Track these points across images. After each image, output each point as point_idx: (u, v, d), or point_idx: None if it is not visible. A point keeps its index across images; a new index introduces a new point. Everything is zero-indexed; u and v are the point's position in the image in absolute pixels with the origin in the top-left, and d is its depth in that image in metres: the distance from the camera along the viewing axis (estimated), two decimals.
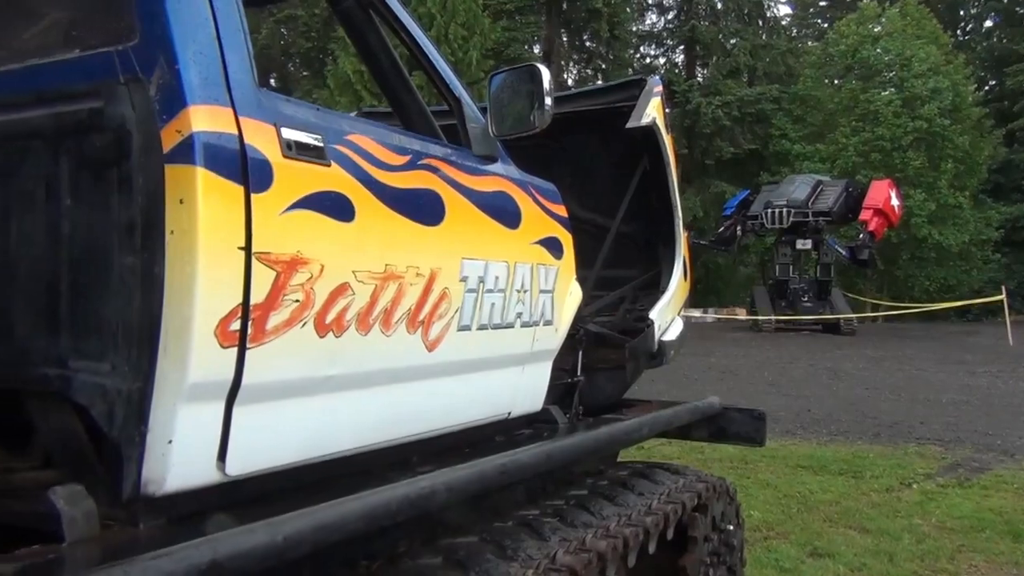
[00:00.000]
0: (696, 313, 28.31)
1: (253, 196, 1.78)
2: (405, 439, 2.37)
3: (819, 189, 24.69)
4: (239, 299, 1.75)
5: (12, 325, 1.90)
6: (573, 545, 2.32)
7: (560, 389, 3.53)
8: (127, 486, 1.71)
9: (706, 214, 33.00)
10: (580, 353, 3.62)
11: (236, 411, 1.80)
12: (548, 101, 2.57)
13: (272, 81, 35.39)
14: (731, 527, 3.47)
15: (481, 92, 3.00)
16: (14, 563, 1.46)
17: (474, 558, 2.12)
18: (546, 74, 2.59)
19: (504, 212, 2.68)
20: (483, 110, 2.73)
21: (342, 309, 2.01)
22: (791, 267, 24.97)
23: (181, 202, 1.68)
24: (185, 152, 1.69)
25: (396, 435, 2.32)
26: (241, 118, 1.80)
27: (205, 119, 1.72)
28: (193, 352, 1.69)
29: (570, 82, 36.23)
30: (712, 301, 33.25)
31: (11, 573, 1.39)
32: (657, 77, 4.10)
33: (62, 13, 2.02)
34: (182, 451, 1.72)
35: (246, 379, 1.79)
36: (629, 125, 3.86)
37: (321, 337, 1.96)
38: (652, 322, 3.91)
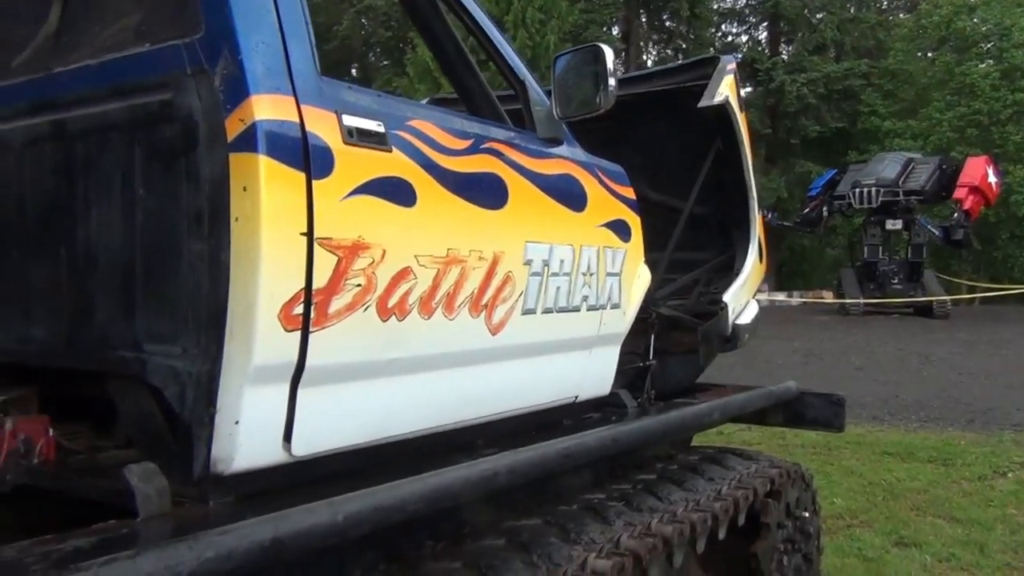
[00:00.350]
0: (781, 296, 27.70)
1: (314, 183, 1.81)
2: (470, 422, 2.39)
3: (910, 167, 23.74)
4: (302, 284, 1.79)
5: (93, 310, 1.99)
6: (638, 529, 2.30)
7: (631, 373, 3.50)
8: (198, 465, 1.77)
9: (791, 195, 32.16)
10: (652, 337, 3.59)
11: (301, 393, 1.85)
12: (612, 82, 2.53)
13: (353, 71, 35.95)
14: (807, 514, 3.39)
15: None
16: (90, 537, 1.53)
17: (537, 540, 2.13)
18: (609, 54, 2.55)
19: (569, 195, 2.67)
20: (549, 93, 2.72)
21: (404, 293, 2.03)
22: (880, 248, 24.10)
23: (245, 189, 1.72)
24: (248, 140, 1.73)
25: (460, 418, 2.34)
26: (303, 106, 1.83)
27: (267, 108, 1.75)
28: (258, 335, 1.73)
29: (649, 63, 35.73)
30: (798, 284, 32.46)
31: (87, 547, 1.46)
32: (731, 55, 4.00)
33: (135, 8, 2.09)
34: (249, 431, 1.77)
35: (310, 362, 1.83)
36: (701, 104, 3.78)
37: (383, 321, 1.99)
38: (726, 305, 3.84)
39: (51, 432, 2.21)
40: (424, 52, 22.36)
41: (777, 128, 33.43)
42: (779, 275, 32.51)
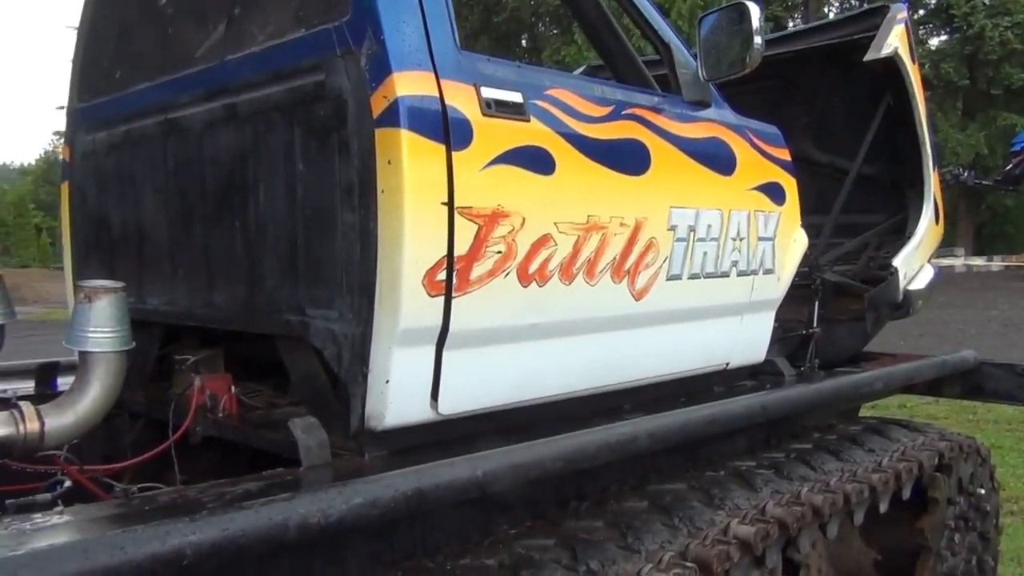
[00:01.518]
0: (979, 261, 25.60)
1: (454, 154, 1.89)
2: (614, 387, 2.42)
3: None
4: (444, 251, 1.88)
5: (264, 278, 2.18)
6: (785, 498, 2.26)
7: (794, 341, 3.40)
8: (354, 420, 1.91)
9: (992, 151, 29.45)
10: (816, 304, 3.47)
11: (446, 355, 1.94)
12: (758, 40, 2.45)
13: (523, 42, 36.15)
14: (982, 491, 3.18)
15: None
16: (258, 482, 1.69)
17: (679, 504, 2.14)
18: (755, 11, 2.47)
19: (717, 158, 2.62)
20: (694, 56, 2.67)
21: (544, 259, 2.09)
22: None
23: (389, 163, 1.83)
24: (392, 116, 1.82)
25: (604, 383, 2.38)
26: (442, 80, 1.91)
27: (409, 84, 1.84)
28: (404, 300, 1.84)
29: (831, 17, 33.67)
30: (999, 247, 29.83)
31: (255, 490, 1.62)
32: (901, 3, 3.74)
33: None
34: (399, 391, 1.89)
35: (453, 326, 1.92)
36: (868, 57, 3.57)
37: (524, 286, 2.05)
38: (896, 270, 3.64)
39: (233, 389, 2.45)
40: None
41: (976, 78, 30.65)
42: (978, 238, 30.05)
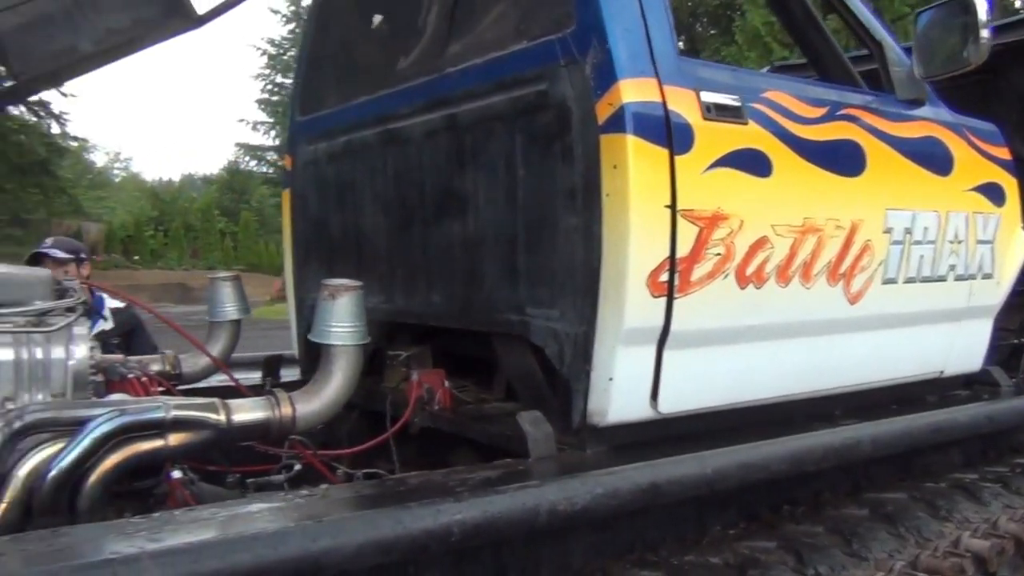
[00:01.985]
0: None
1: (677, 158, 1.93)
2: (827, 391, 2.38)
3: None
4: (667, 253, 1.92)
5: (483, 279, 2.29)
6: (1020, 513, 2.15)
7: (1004, 350, 3.23)
8: (576, 416, 1.98)
9: None
10: None
11: (666, 355, 1.98)
12: (984, 34, 2.35)
13: (680, 43, 35.66)
14: None
15: (907, 29, 2.82)
16: (494, 470, 1.79)
17: (903, 514, 2.08)
18: (981, 4, 2.37)
19: (933, 158, 2.53)
20: (907, 51, 2.59)
21: (762, 262, 2.09)
22: None
23: (615, 167, 1.89)
24: (617, 122, 1.88)
25: (817, 386, 2.35)
26: (665, 86, 1.95)
27: (634, 91, 1.90)
28: (628, 301, 1.89)
29: None
30: None
31: (494, 477, 1.71)
32: None
33: (513, 12, 2.34)
34: (620, 389, 1.94)
35: (674, 326, 1.96)
36: None
37: (742, 288, 2.06)
38: None
39: (446, 384, 2.58)
40: (754, 17, 21.57)
41: None
42: None
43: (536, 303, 2.11)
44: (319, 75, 3.17)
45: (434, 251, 2.50)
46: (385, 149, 2.69)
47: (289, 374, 3.23)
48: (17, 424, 1.74)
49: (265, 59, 37.24)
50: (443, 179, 2.43)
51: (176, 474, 2.24)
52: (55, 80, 2.56)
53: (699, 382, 2.08)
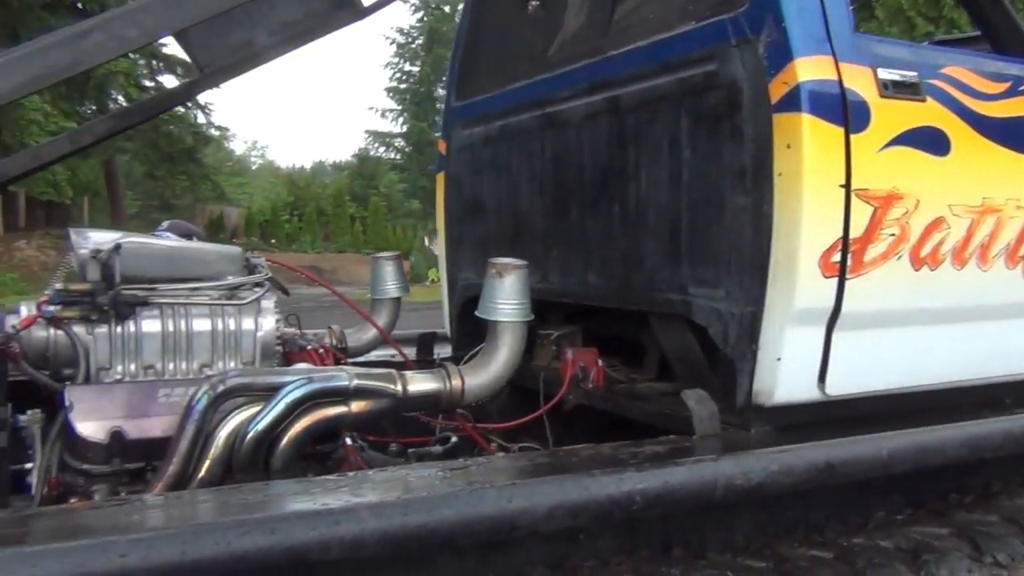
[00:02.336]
0: None
1: (852, 137, 1.90)
2: (998, 379, 2.29)
3: None
4: (839, 233, 1.90)
5: (643, 259, 2.32)
6: None
7: None
8: (740, 396, 1.99)
9: None
10: None
11: (835, 336, 1.97)
12: None
13: None
14: None
15: None
16: (661, 446, 1.83)
17: None
18: None
19: None
20: None
21: (937, 243, 2.03)
22: None
23: (788, 147, 1.88)
24: (792, 101, 1.87)
25: (988, 373, 2.26)
26: (841, 64, 1.92)
27: (810, 69, 1.88)
28: (799, 281, 1.89)
29: None
30: None
31: (663, 452, 1.75)
32: None
33: None
34: (788, 369, 1.94)
35: (845, 307, 1.94)
36: None
37: (916, 270, 2.01)
38: None
39: (600, 363, 2.63)
40: None
41: None
42: None
43: (699, 283, 2.12)
44: (475, 61, 3.26)
45: (592, 232, 2.54)
46: (543, 132, 2.75)
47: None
48: (220, 388, 1.90)
49: (394, 47, 38.17)
50: (603, 161, 2.47)
51: (348, 441, 2.38)
52: (233, 73, 2.72)
53: (868, 365, 2.05)
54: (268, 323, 2.22)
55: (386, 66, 38.81)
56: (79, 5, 20.10)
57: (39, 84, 1.61)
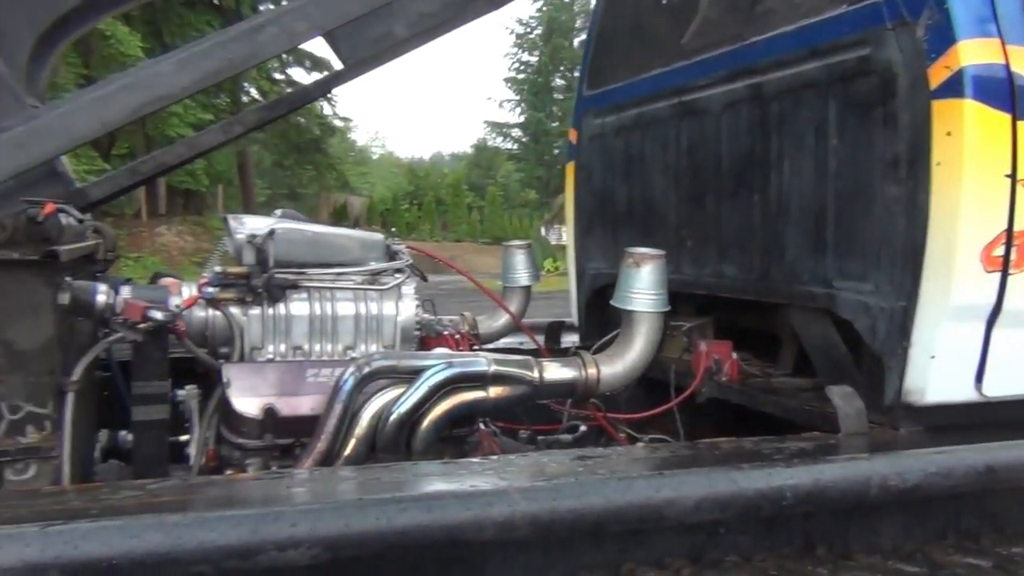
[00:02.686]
0: None
1: (1020, 123, 1.80)
2: None
3: None
4: (1003, 226, 1.80)
5: (784, 250, 2.26)
6: None
7: None
8: (889, 393, 1.92)
9: None
10: None
11: (995, 334, 1.87)
12: None
13: None
14: None
15: None
16: (806, 442, 1.78)
17: None
18: None
19: None
20: None
21: None
22: None
23: (948, 135, 1.79)
24: (953, 86, 1.78)
25: None
26: (1008, 47, 1.82)
27: (974, 52, 1.78)
28: (956, 275, 1.80)
29: None
30: None
31: (809, 448, 1.71)
32: None
33: None
34: (942, 368, 1.85)
35: (1007, 304, 1.84)
36: None
37: None
38: None
39: (734, 356, 2.58)
40: None
41: None
42: None
43: (845, 275, 2.05)
44: (608, 50, 3.24)
45: (729, 222, 2.50)
46: (679, 121, 2.71)
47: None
48: (366, 369, 1.97)
49: (512, 37, 38.39)
50: (743, 149, 2.42)
51: (482, 426, 2.43)
52: (373, 65, 2.80)
53: None
54: (408, 308, 2.29)
55: (505, 56, 39.06)
56: (216, 1, 21.08)
57: (218, 77, 1.71)
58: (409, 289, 2.31)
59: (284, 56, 24.11)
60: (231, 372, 2.03)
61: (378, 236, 2.43)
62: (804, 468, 1.47)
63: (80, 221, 2.05)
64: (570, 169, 3.41)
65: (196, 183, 22.99)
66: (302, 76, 22.95)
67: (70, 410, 1.83)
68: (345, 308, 2.23)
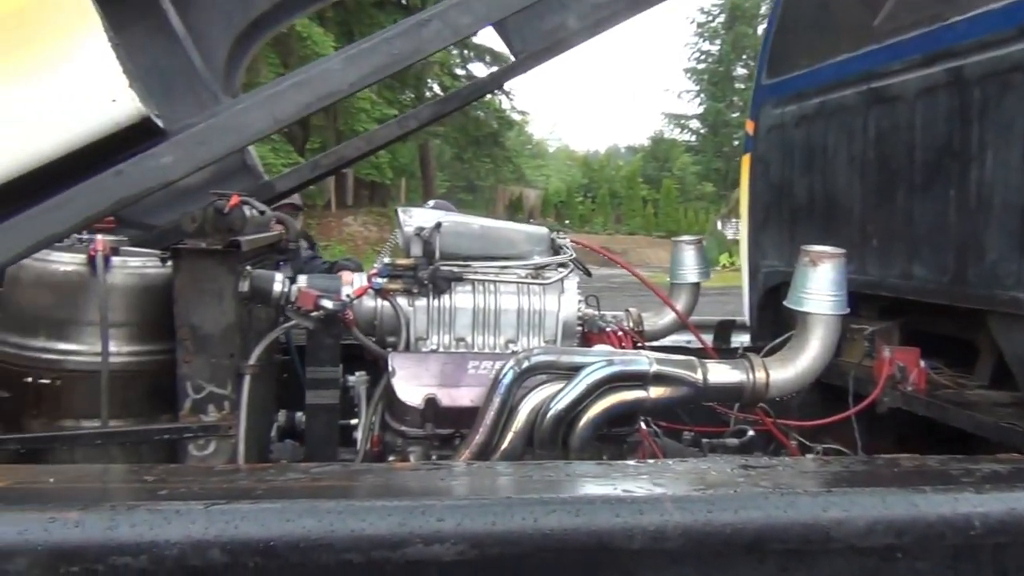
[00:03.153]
0: None
1: None
2: None
3: None
4: None
5: (986, 250, 2.05)
6: None
7: None
8: None
9: None
10: None
11: None
12: None
13: None
14: None
15: None
16: (1003, 464, 1.60)
17: None
18: None
19: None
20: None
21: None
22: None
23: None
24: None
25: None
26: None
27: None
28: None
29: None
30: None
31: (1004, 472, 1.53)
32: None
33: None
34: None
35: None
36: None
37: None
38: None
39: (922, 364, 2.38)
40: None
41: None
42: None
43: None
44: (791, 36, 3.07)
45: (921, 219, 2.30)
46: (867, 109, 2.53)
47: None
48: (526, 364, 1.96)
49: (694, 27, 37.56)
50: (940, 139, 2.22)
51: (642, 426, 2.36)
52: (545, 57, 2.79)
53: None
54: (571, 303, 2.26)
55: (684, 46, 38.41)
56: (403, 1, 21.94)
57: (384, 72, 1.75)
58: (572, 284, 2.29)
59: (465, 52, 24.79)
60: (397, 361, 2.08)
61: (543, 230, 2.41)
62: (998, 495, 1.32)
63: (262, 212, 2.17)
64: (746, 161, 3.27)
65: (381, 175, 24.08)
66: (482, 71, 23.47)
67: (247, 392, 1.94)
68: (508, 302, 2.23)
